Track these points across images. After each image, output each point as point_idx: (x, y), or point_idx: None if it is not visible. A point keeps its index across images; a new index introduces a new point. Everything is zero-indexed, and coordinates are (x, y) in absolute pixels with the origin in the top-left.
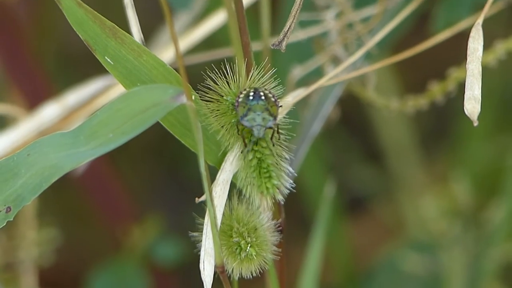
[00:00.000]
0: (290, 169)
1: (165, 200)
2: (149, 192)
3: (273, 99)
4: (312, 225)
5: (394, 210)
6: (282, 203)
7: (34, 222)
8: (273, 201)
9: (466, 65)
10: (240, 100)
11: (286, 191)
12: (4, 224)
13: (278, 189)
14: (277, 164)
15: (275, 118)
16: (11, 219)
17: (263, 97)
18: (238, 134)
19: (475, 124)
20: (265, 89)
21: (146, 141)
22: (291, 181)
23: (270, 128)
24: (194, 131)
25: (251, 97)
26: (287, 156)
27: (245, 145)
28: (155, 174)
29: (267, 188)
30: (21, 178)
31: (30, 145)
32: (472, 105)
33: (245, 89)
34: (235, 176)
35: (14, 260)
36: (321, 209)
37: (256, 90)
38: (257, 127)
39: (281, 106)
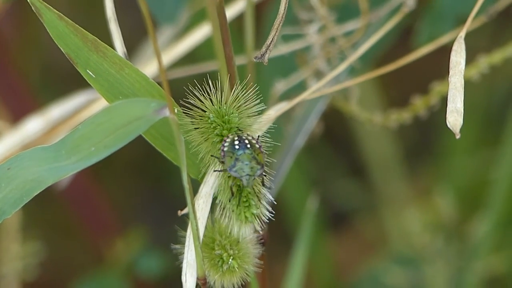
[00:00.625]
0: (270, 197)
1: (148, 215)
2: (133, 206)
3: (258, 146)
4: (294, 240)
5: (377, 224)
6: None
7: (17, 235)
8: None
9: (449, 78)
10: (225, 149)
11: (266, 219)
12: None
13: (257, 218)
14: (257, 192)
15: (262, 166)
16: None
17: (248, 145)
18: (224, 183)
19: (457, 136)
20: (249, 135)
21: (130, 156)
22: (271, 210)
23: (259, 176)
24: (176, 145)
25: (236, 147)
26: (267, 184)
27: (232, 194)
28: (138, 189)
29: (246, 217)
30: (1, 192)
31: (11, 159)
32: (455, 118)
33: (228, 136)
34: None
35: None
36: (303, 223)
37: (240, 138)
38: (246, 177)
39: (265, 153)
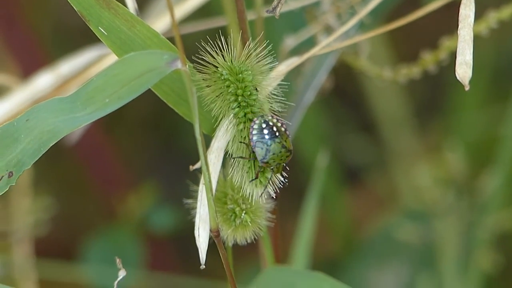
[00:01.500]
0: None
1: (159, 171)
2: (144, 163)
3: (284, 130)
4: (306, 196)
5: (387, 180)
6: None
7: (29, 191)
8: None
9: (458, 31)
10: (255, 138)
11: (279, 185)
12: (7, 189)
13: (270, 182)
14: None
15: (291, 152)
16: (14, 184)
17: (277, 133)
18: (254, 169)
19: (467, 88)
20: (273, 118)
21: (141, 114)
22: (285, 176)
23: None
24: (189, 97)
25: (266, 136)
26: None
27: (257, 177)
28: (150, 146)
29: (260, 181)
30: (21, 143)
31: (29, 110)
32: (464, 70)
33: (254, 122)
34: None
35: (9, 229)
36: (315, 178)
37: (267, 124)
38: (277, 166)
39: (289, 135)
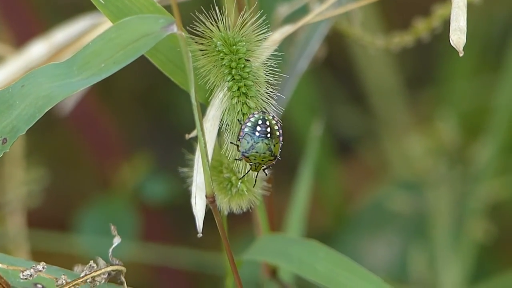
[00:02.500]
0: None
1: (153, 143)
2: (138, 135)
3: (277, 134)
4: (298, 167)
5: (379, 151)
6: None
7: (22, 162)
8: None
9: None
10: (246, 129)
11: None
12: (1, 155)
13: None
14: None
15: (275, 158)
16: (7, 150)
17: (268, 135)
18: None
19: (461, 54)
20: (274, 118)
21: (135, 87)
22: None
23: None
24: (184, 61)
25: (257, 133)
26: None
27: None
28: (143, 119)
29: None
30: (16, 109)
31: (25, 76)
32: (458, 36)
33: (253, 115)
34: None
35: (2, 200)
36: (309, 146)
37: (264, 122)
38: (255, 165)
39: (282, 143)
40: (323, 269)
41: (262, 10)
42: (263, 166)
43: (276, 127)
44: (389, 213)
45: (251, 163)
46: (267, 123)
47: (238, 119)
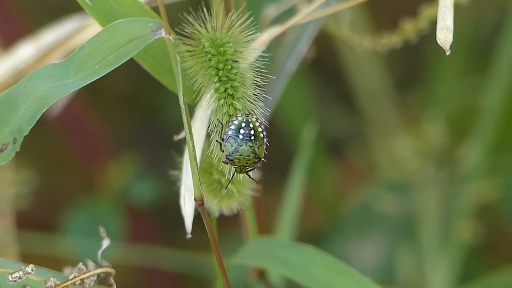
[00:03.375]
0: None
1: (140, 146)
2: (125, 137)
3: (261, 136)
4: (287, 168)
5: (367, 152)
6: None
7: (10, 163)
8: None
9: None
10: (230, 132)
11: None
12: (14, 154)
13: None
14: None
15: (259, 160)
16: (18, 150)
17: (252, 138)
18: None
19: (448, 53)
20: (257, 120)
21: (123, 90)
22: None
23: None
24: (173, 65)
25: (240, 136)
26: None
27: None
28: (131, 122)
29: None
30: (20, 109)
31: (27, 77)
32: (445, 35)
33: (237, 118)
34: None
35: None
36: (302, 148)
37: (247, 125)
38: (239, 168)
39: (267, 144)
40: (317, 274)
41: (250, 12)
42: (247, 169)
43: (259, 129)
44: (377, 215)
45: (235, 166)
46: (251, 125)
47: (218, 119)
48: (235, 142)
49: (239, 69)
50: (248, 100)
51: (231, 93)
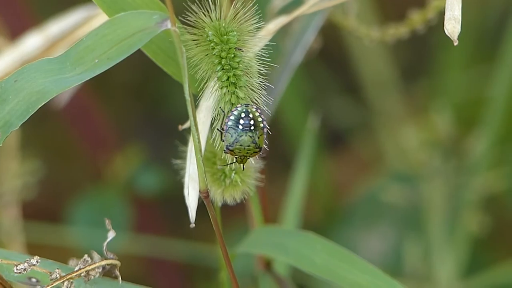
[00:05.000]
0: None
1: (146, 136)
2: (131, 127)
3: (261, 126)
4: (291, 159)
5: (374, 143)
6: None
7: (16, 154)
8: None
9: None
10: (229, 123)
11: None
12: None
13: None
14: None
15: (260, 150)
16: (0, 145)
17: (252, 128)
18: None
19: (456, 43)
20: (257, 110)
21: (128, 80)
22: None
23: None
24: (178, 57)
25: (240, 126)
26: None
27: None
28: (136, 112)
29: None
30: (8, 104)
31: (18, 71)
32: (452, 25)
33: (236, 108)
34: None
35: None
36: (305, 139)
37: (247, 115)
38: (240, 158)
39: (268, 132)
40: (321, 261)
41: (256, 1)
42: (248, 158)
43: (259, 119)
44: (384, 206)
45: (236, 156)
46: (250, 115)
47: (220, 107)
48: (235, 133)
49: (243, 57)
50: (251, 89)
51: (233, 81)
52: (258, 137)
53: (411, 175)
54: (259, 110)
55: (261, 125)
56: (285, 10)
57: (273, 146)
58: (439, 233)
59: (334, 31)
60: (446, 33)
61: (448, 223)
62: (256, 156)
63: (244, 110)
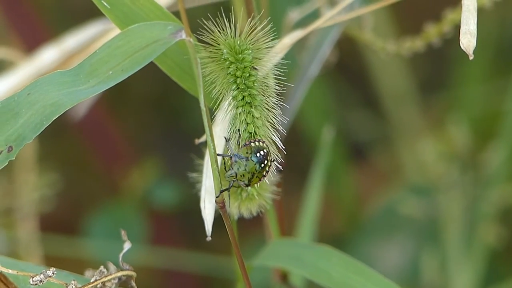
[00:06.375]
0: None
1: (162, 149)
2: (147, 141)
3: (267, 170)
4: (309, 171)
5: (391, 155)
6: (281, 143)
7: (34, 167)
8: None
9: (462, 1)
10: (240, 154)
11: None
12: (6, 163)
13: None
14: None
15: (247, 186)
16: (13, 158)
17: (262, 165)
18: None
19: (471, 58)
20: (270, 155)
21: (145, 94)
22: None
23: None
24: (193, 67)
25: (254, 159)
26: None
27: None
28: (153, 125)
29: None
30: (22, 117)
31: (31, 84)
32: (468, 39)
33: (255, 141)
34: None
35: (14, 205)
36: (321, 151)
37: (265, 156)
38: (242, 184)
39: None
40: (337, 275)
41: (272, 16)
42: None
43: (268, 163)
44: (402, 218)
45: (236, 179)
46: (264, 157)
47: (238, 129)
48: (244, 163)
49: (258, 76)
50: (267, 108)
51: (248, 101)
52: (258, 174)
53: (428, 187)
54: (271, 155)
55: (267, 168)
56: (301, 24)
57: (292, 158)
58: (456, 245)
59: (352, 44)
60: (462, 47)
61: (465, 235)
62: (257, 182)
63: (261, 151)
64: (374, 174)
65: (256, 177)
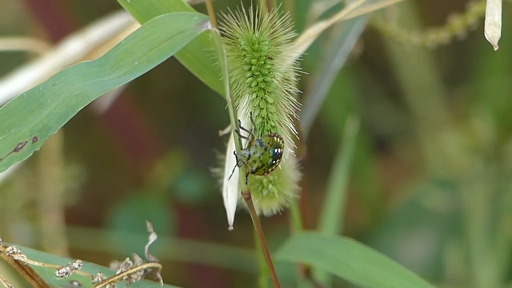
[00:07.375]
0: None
1: (186, 143)
2: (171, 134)
3: (276, 162)
4: (334, 163)
5: (415, 148)
6: (304, 139)
7: (59, 160)
8: (295, 137)
9: None
10: (257, 143)
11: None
12: (31, 154)
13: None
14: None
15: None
16: (38, 149)
17: (276, 159)
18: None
19: (496, 48)
20: (281, 150)
21: (168, 88)
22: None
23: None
24: (219, 57)
25: (270, 152)
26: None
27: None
28: (177, 119)
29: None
30: (47, 108)
31: (56, 75)
32: (493, 30)
33: (271, 135)
34: None
35: (39, 198)
36: (345, 144)
37: (278, 151)
38: (250, 169)
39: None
40: (358, 267)
41: (297, 7)
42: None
43: (278, 157)
44: (425, 211)
45: (250, 166)
46: (277, 153)
47: (250, 117)
48: (261, 151)
49: (273, 65)
50: (281, 95)
51: (263, 87)
52: (269, 169)
53: (452, 180)
54: (282, 150)
55: (277, 161)
56: (326, 16)
57: (316, 151)
58: (480, 238)
59: (376, 36)
60: (487, 38)
61: (489, 228)
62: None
63: (275, 147)
64: (398, 167)
65: (263, 169)
